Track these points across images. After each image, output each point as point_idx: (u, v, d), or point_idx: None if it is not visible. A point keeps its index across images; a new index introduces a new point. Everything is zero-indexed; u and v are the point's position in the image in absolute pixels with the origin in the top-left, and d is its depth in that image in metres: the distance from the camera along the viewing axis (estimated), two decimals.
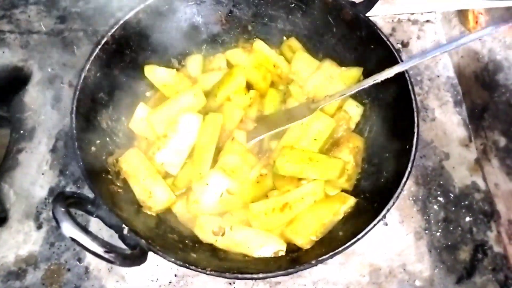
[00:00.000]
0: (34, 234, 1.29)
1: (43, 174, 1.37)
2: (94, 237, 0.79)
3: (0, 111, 1.69)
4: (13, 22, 1.68)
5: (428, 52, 1.07)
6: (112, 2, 1.70)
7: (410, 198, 1.31)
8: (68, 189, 1.35)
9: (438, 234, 1.26)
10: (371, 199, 1.10)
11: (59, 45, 1.63)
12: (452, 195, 1.32)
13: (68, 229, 0.77)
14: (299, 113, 1.17)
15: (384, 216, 0.97)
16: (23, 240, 1.28)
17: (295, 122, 1.15)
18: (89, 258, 1.24)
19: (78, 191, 1.34)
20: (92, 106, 1.14)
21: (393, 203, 0.98)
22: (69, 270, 1.24)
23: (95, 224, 1.26)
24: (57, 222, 0.78)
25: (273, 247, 1.06)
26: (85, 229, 0.80)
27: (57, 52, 1.61)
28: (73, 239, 0.78)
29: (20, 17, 1.69)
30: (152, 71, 1.23)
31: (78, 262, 1.24)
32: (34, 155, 1.40)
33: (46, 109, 1.48)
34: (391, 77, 1.13)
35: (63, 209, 0.80)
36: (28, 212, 1.32)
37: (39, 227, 1.30)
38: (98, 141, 1.13)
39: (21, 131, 1.45)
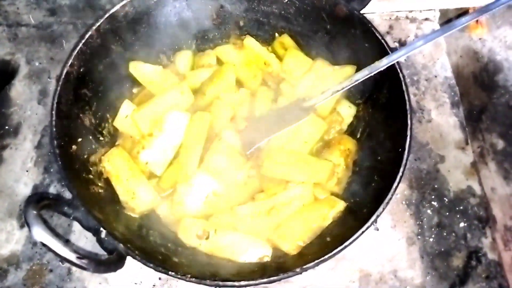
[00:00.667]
0: (17, 233, 1.26)
1: (27, 171, 1.34)
2: (66, 243, 0.76)
3: None
4: (1, 14, 1.65)
5: (418, 41, 1.04)
6: None
7: (403, 202, 1.27)
8: (52, 187, 1.31)
9: (431, 239, 1.23)
10: (361, 203, 1.06)
11: (47, 39, 1.59)
12: (446, 200, 1.28)
13: (39, 233, 0.74)
14: (294, 115, 1.12)
15: (374, 222, 0.93)
16: (5, 239, 1.25)
17: (291, 126, 1.11)
18: None
19: (62, 190, 1.30)
20: (75, 102, 1.10)
21: (383, 209, 0.94)
22: (51, 271, 1.20)
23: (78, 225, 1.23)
24: (28, 226, 0.75)
25: (258, 252, 1.03)
26: (57, 234, 0.76)
27: (45, 46, 1.57)
28: (43, 244, 0.74)
29: (9, 9, 1.65)
30: (137, 68, 1.19)
31: (60, 263, 1.20)
32: (19, 151, 1.37)
33: (32, 104, 1.45)
34: (384, 76, 1.10)
35: (35, 212, 0.77)
36: (11, 210, 1.28)
37: (22, 226, 1.26)
38: (80, 139, 1.09)
39: (6, 127, 1.41)
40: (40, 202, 0.81)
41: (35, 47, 1.57)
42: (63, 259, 0.75)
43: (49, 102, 1.44)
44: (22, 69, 1.53)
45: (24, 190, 1.31)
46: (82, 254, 0.76)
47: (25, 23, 1.63)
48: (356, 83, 1.09)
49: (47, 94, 1.47)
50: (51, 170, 1.34)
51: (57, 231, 0.78)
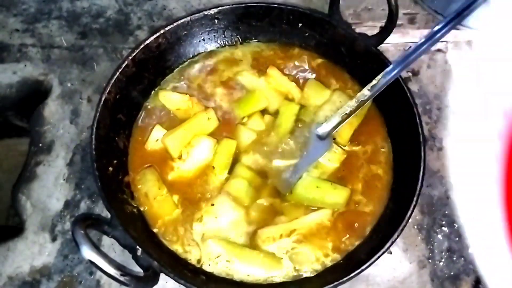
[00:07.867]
0: (49, 246, 1.33)
1: (59, 187, 1.42)
2: (110, 260, 0.83)
3: (20, 122, 1.76)
4: (36, 35, 1.74)
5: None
6: (131, 20, 1.76)
7: (415, 227, 1.33)
8: (83, 203, 1.39)
9: (441, 263, 1.29)
10: (376, 229, 1.13)
11: (79, 61, 1.68)
12: (456, 226, 1.34)
13: (87, 252, 0.82)
14: (314, 147, 1.18)
15: (388, 249, 1.00)
16: (38, 252, 1.33)
17: (317, 159, 1.18)
18: (100, 272, 1.28)
19: (92, 205, 1.38)
20: (111, 127, 1.18)
21: (397, 236, 1.01)
22: (81, 282, 1.28)
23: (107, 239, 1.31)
24: (77, 245, 0.82)
25: (280, 272, 1.10)
26: (102, 252, 0.84)
27: (77, 68, 1.65)
28: (91, 262, 0.82)
29: (42, 31, 1.75)
30: (167, 97, 1.28)
31: (89, 276, 1.28)
32: (52, 168, 1.45)
33: (64, 123, 1.53)
34: (399, 109, 1.18)
35: (82, 232, 0.85)
36: (44, 224, 1.36)
37: (54, 239, 1.34)
38: (115, 161, 1.18)
39: (40, 144, 1.49)
40: (85, 221, 0.89)
41: (67, 68, 1.65)
42: (109, 276, 0.83)
43: (80, 122, 1.55)
44: (55, 89, 1.61)
45: (56, 205, 1.39)
46: (124, 272, 0.84)
47: (57, 45, 1.72)
48: (363, 104, 1.15)
49: (79, 114, 1.55)
50: (82, 186, 1.42)
51: (101, 249, 0.85)
